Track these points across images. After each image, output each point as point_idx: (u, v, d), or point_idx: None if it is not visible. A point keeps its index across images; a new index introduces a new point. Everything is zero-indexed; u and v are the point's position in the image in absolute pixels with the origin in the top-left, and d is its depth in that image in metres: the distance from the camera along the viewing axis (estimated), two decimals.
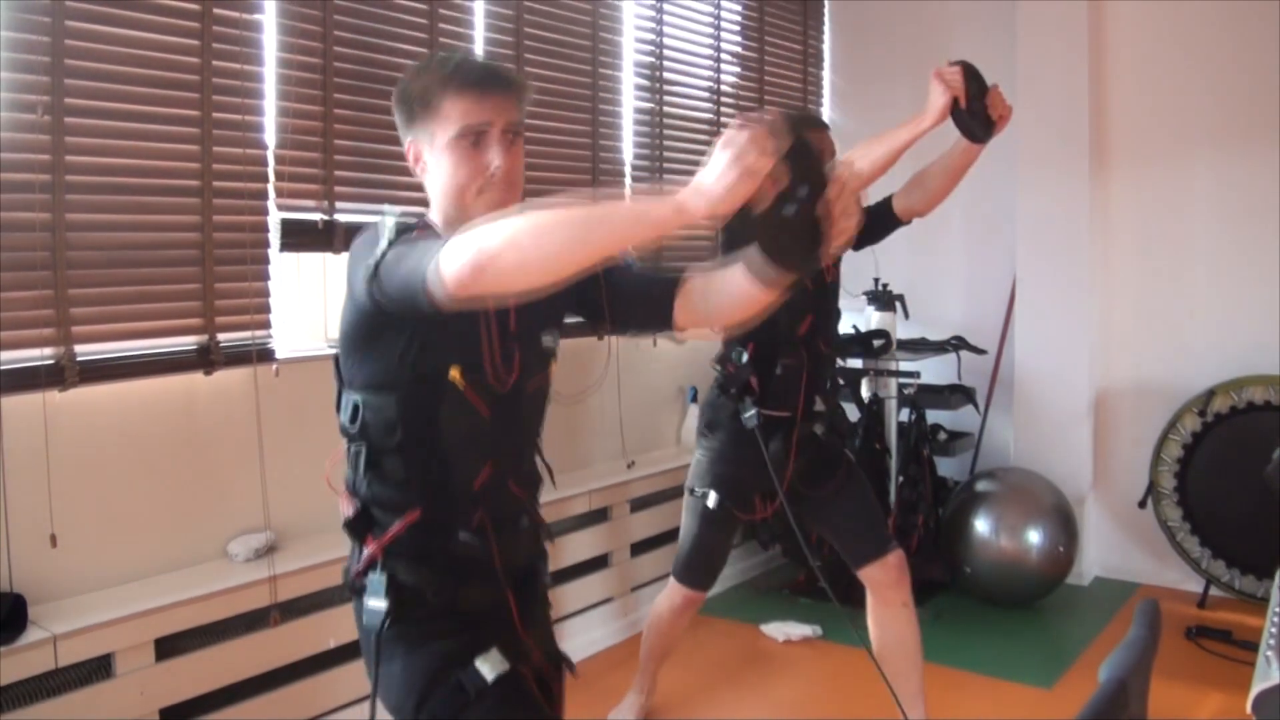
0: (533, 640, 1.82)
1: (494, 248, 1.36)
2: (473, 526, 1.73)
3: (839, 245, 1.43)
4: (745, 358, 2.90)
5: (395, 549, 1.71)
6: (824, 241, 1.41)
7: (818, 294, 2.98)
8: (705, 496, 2.98)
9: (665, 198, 1.33)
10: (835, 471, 3.03)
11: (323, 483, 3.17)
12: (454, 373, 1.66)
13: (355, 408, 1.70)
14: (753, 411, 2.86)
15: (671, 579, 3.16)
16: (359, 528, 1.73)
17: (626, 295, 1.80)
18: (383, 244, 1.55)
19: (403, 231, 1.58)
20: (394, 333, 1.64)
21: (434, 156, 1.69)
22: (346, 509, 1.75)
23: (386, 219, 1.61)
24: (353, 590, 1.76)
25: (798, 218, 1.40)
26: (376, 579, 1.69)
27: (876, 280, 4.74)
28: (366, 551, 1.72)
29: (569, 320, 1.87)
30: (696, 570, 3.11)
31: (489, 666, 1.67)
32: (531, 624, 1.83)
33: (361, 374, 1.69)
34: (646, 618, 3.32)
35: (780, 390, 2.92)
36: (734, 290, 1.59)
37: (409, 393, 1.67)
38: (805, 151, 1.38)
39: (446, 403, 1.67)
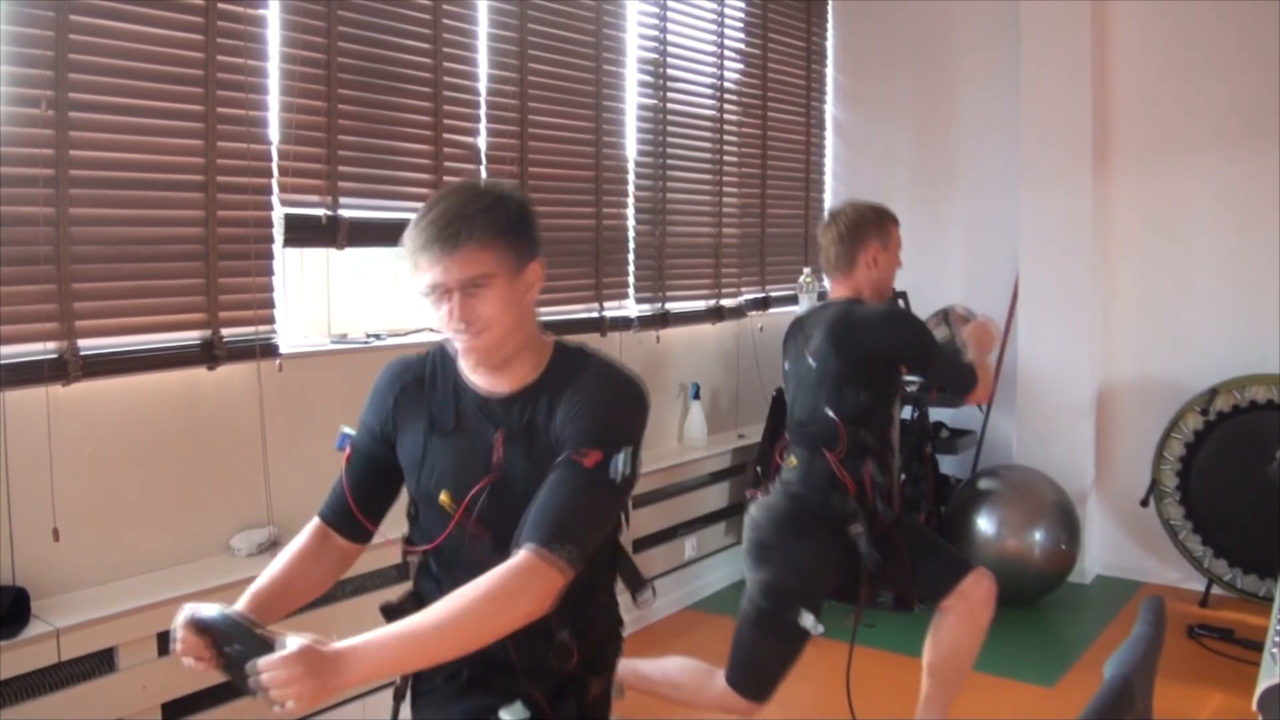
0: None
1: None
2: None
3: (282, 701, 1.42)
4: (867, 474, 2.81)
5: None
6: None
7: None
8: (797, 616, 2.75)
9: None
10: (896, 544, 2.90)
11: (325, 477, 3.18)
12: (443, 496, 1.73)
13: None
14: (863, 530, 2.77)
15: (727, 686, 2.84)
16: (394, 614, 1.78)
17: None
18: None
19: None
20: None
21: None
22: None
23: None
24: None
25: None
26: None
27: None
28: None
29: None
30: (771, 685, 2.83)
31: (510, 715, 1.69)
32: None
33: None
34: (671, 683, 3.00)
35: (873, 496, 2.84)
36: None
37: (420, 511, 1.80)
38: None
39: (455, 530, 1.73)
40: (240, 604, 1.65)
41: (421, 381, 1.78)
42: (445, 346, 1.79)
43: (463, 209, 1.62)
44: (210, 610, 1.51)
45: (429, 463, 1.75)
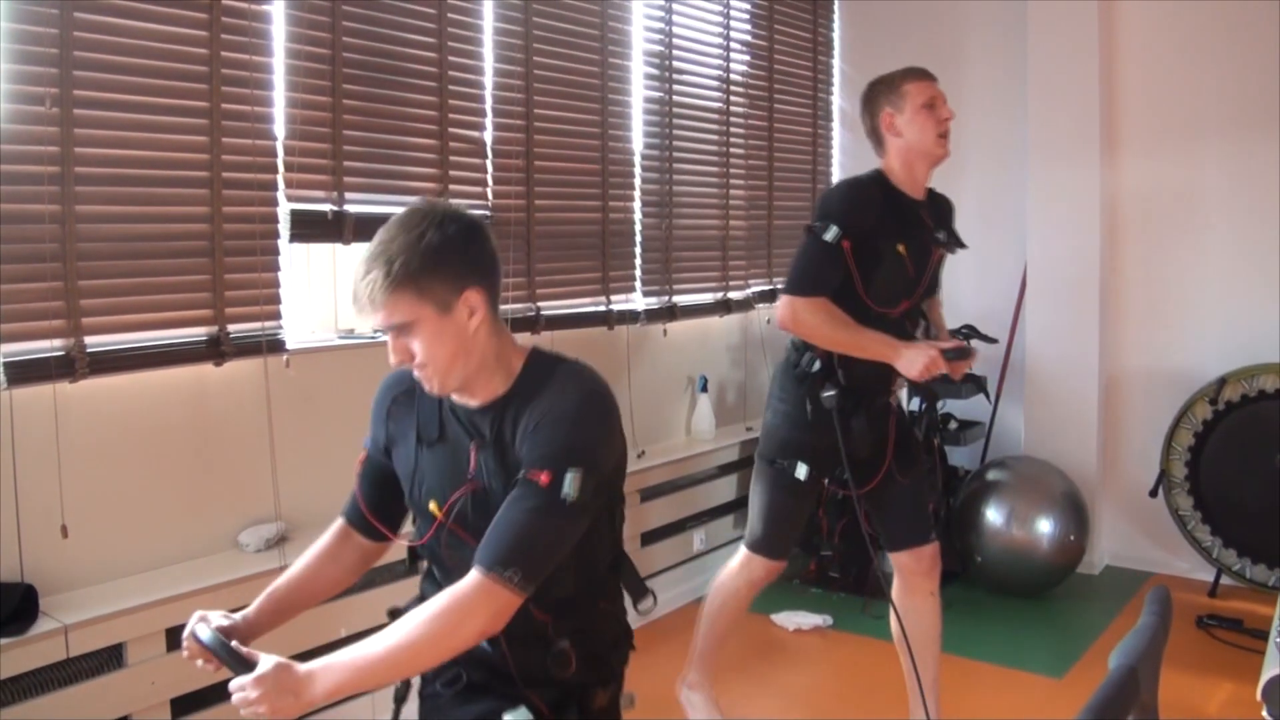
0: None
1: None
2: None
3: None
4: None
5: None
6: None
7: (918, 280, 2.88)
8: (793, 468, 2.90)
9: None
10: (918, 459, 2.99)
11: (333, 473, 3.19)
12: (432, 505, 1.73)
13: None
14: (833, 393, 2.80)
15: (746, 552, 3.03)
16: (397, 617, 1.79)
17: None
18: None
19: None
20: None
21: None
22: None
23: None
24: None
25: None
26: None
27: None
28: None
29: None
30: (780, 541, 3.00)
31: (514, 717, 1.69)
32: None
33: None
34: (710, 604, 3.15)
35: (866, 371, 2.83)
36: None
37: (417, 519, 1.81)
38: None
39: (439, 534, 1.73)
40: (256, 603, 1.75)
41: (412, 393, 1.78)
42: None
43: (382, 253, 1.59)
44: (204, 630, 1.63)
45: (419, 473, 1.76)
